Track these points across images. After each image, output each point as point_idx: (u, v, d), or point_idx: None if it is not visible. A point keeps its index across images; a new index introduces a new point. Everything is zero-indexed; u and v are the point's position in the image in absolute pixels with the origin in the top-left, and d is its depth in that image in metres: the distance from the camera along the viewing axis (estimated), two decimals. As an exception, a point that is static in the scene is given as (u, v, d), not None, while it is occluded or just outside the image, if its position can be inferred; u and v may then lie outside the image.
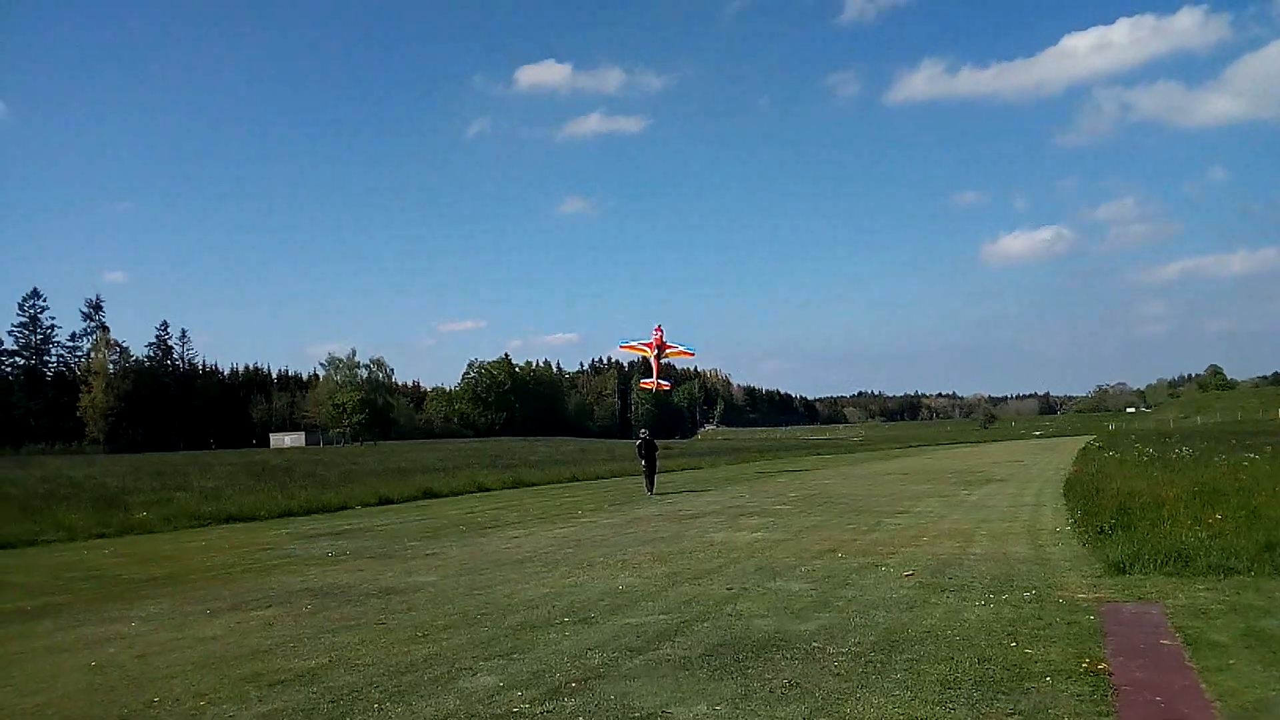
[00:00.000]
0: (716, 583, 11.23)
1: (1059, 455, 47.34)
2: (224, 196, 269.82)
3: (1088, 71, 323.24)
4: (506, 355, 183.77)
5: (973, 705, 5.88)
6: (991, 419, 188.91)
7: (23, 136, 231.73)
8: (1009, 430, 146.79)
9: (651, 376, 37.30)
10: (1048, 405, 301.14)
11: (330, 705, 6.50)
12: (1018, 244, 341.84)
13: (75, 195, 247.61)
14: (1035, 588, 10.18)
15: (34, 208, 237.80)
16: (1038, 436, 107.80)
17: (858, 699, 6.08)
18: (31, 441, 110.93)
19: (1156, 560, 10.96)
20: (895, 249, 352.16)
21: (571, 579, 11.99)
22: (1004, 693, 6.12)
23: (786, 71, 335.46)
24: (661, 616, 9.23)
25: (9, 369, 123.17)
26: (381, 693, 6.77)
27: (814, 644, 7.74)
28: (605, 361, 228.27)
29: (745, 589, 10.71)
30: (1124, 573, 10.81)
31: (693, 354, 40.28)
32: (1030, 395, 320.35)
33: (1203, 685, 6.17)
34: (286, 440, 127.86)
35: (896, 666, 6.89)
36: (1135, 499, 16.40)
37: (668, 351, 37.59)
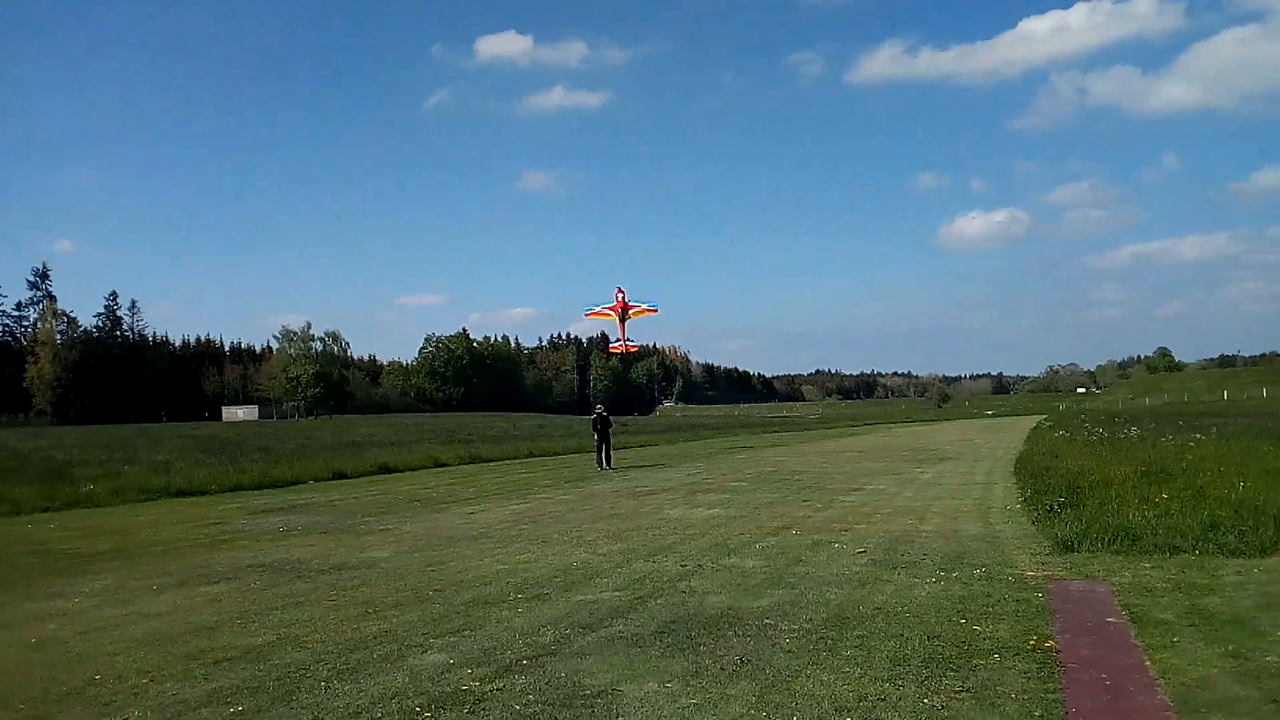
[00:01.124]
0: (671, 560, 11.23)
1: (1010, 434, 48.07)
2: (176, 165, 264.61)
3: (1045, 55, 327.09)
4: (465, 330, 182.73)
5: (922, 682, 5.92)
6: (946, 398, 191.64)
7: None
8: (962, 410, 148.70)
9: (619, 341, 37.35)
10: (1001, 385, 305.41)
11: (276, 683, 6.40)
12: (975, 226, 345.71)
13: (21, 162, 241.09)
14: (985, 565, 10.30)
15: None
16: (990, 416, 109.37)
17: (809, 676, 6.10)
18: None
19: (1104, 539, 11.13)
20: (856, 229, 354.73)
21: (525, 555, 11.94)
22: (953, 669, 6.17)
23: (750, 49, 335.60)
24: (615, 593, 9.21)
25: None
26: (329, 670, 6.68)
27: (766, 621, 7.76)
28: (564, 337, 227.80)
29: (699, 566, 10.72)
30: (1072, 550, 10.97)
31: (656, 310, 40.59)
32: (984, 375, 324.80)
33: (1147, 663, 6.27)
34: (239, 414, 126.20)
35: (847, 643, 6.93)
36: (1084, 478, 16.67)
37: (631, 312, 37.88)
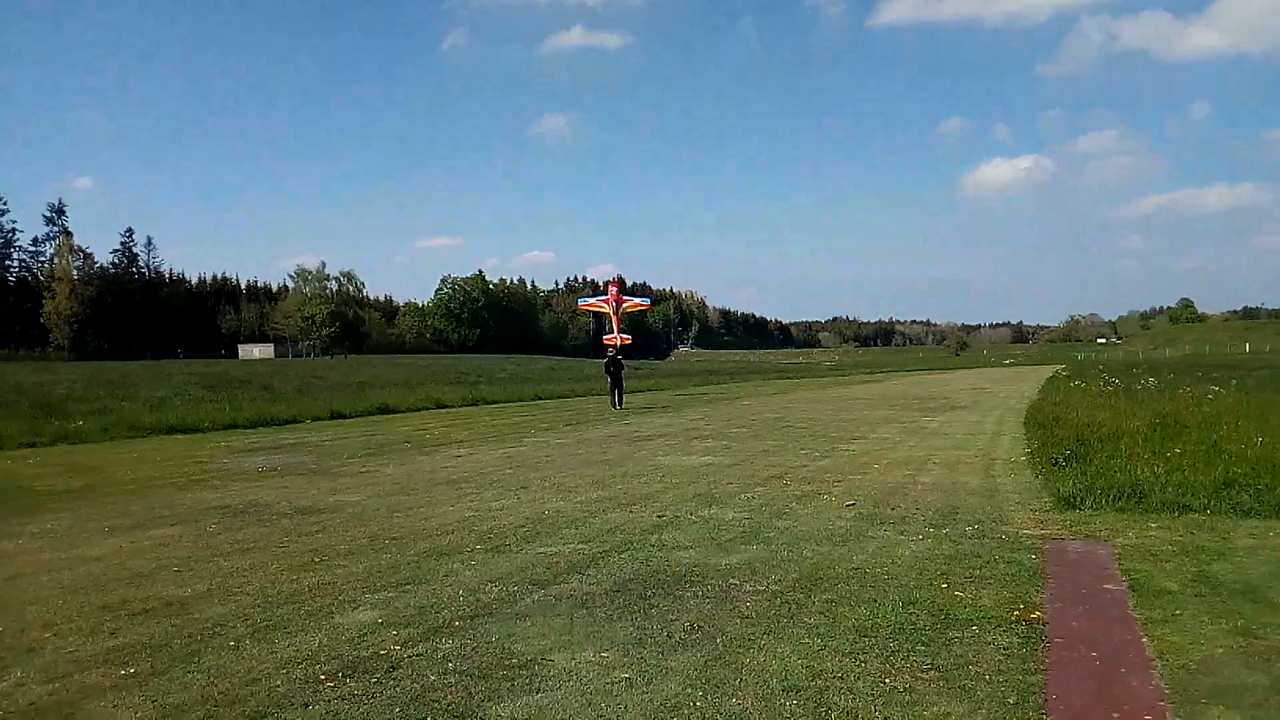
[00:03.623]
0: (649, 509, 10.64)
1: (1025, 383, 47.20)
2: (194, 104, 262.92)
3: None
4: (480, 272, 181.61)
5: (887, 658, 5.29)
6: (964, 346, 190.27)
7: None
8: (980, 358, 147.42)
9: (614, 333, 37.56)
10: (1020, 334, 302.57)
11: (186, 641, 5.85)
12: (998, 173, 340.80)
13: (41, 99, 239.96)
14: (979, 521, 9.65)
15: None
16: (1008, 364, 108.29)
17: (761, 647, 5.47)
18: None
19: (1109, 495, 10.44)
20: (876, 176, 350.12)
21: (500, 502, 11.38)
22: (924, 644, 5.53)
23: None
24: (580, 546, 8.63)
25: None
26: (247, 627, 6.13)
27: (731, 580, 7.14)
28: (580, 280, 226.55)
29: (677, 517, 10.12)
30: (1074, 507, 10.30)
31: (649, 305, 42.55)
32: (1003, 324, 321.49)
33: (1144, 639, 5.61)
34: (255, 352, 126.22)
35: (813, 609, 6.30)
36: (1094, 430, 15.93)
37: (624, 306, 38.40)
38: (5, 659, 5.58)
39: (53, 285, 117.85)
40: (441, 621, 6.17)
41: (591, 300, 41.35)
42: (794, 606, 6.36)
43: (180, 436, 22.12)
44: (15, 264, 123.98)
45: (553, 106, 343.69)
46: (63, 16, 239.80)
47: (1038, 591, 6.78)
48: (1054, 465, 13.11)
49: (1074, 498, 10.58)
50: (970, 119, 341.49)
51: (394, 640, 5.77)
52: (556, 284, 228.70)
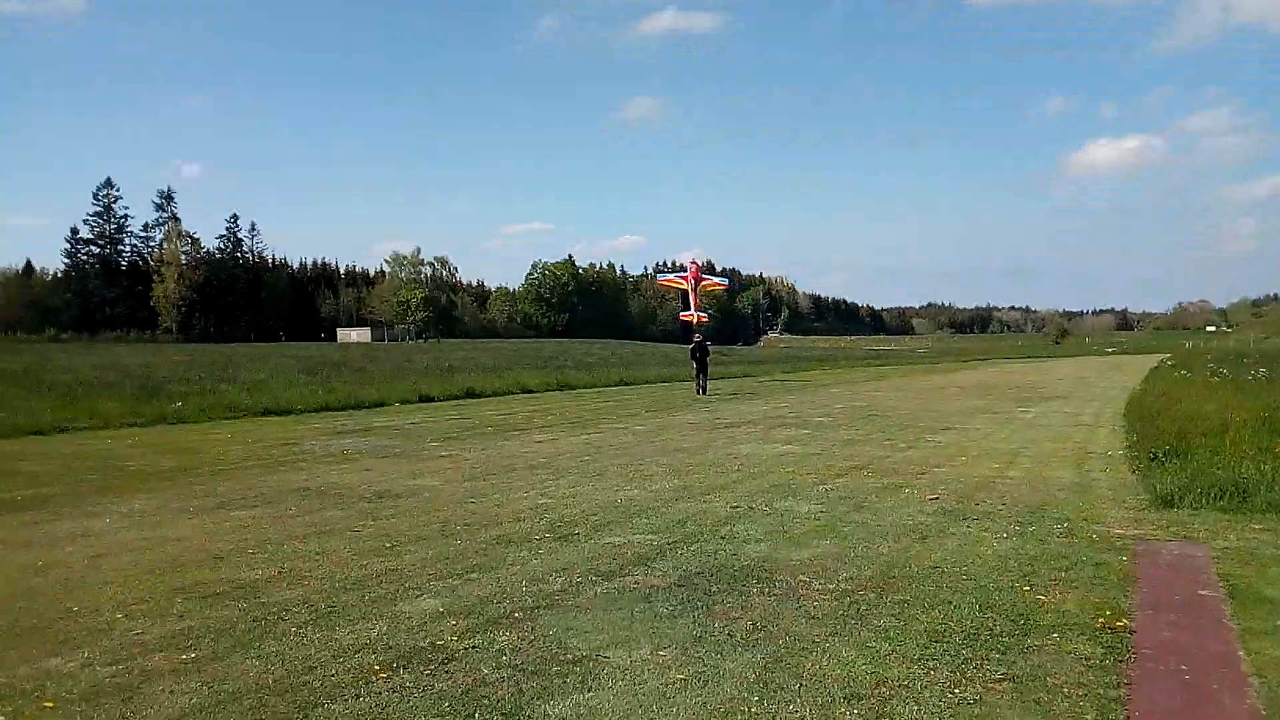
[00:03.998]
0: (723, 500, 10.46)
1: (1128, 374, 45.43)
2: (294, 92, 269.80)
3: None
4: (570, 257, 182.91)
5: (958, 665, 5.02)
6: (1064, 334, 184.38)
7: (103, 32, 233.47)
8: (1082, 346, 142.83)
9: (690, 310, 37.67)
10: (1124, 322, 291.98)
11: (249, 625, 5.90)
12: (1104, 154, 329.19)
13: (151, 88, 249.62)
14: (1068, 519, 9.22)
15: (113, 102, 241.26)
16: (1110, 353, 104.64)
17: (824, 651, 5.26)
18: (108, 329, 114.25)
19: (1210, 494, 9.87)
20: (975, 157, 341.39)
21: (575, 489, 11.33)
22: (999, 651, 5.24)
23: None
24: (649, 536, 8.50)
25: (85, 257, 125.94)
26: (311, 613, 6.16)
27: (800, 577, 6.92)
28: (670, 265, 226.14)
29: (751, 508, 9.92)
30: (1172, 506, 9.77)
31: (726, 285, 43.24)
32: (1107, 311, 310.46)
33: (1241, 653, 5.23)
34: (353, 335, 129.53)
35: (884, 610, 6.05)
36: (1198, 423, 15.13)
37: (703, 284, 38.45)
38: (77, 639, 5.70)
39: (162, 270, 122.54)
40: (502, 612, 6.10)
41: (670, 276, 41.49)
42: (863, 607, 6.11)
43: (274, 418, 22.67)
44: (127, 249, 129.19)
45: (643, 89, 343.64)
46: (171, 7, 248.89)
47: (1126, 597, 6.41)
48: (1152, 460, 12.51)
49: (1172, 496, 10.05)
50: (1074, 97, 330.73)
51: (452, 631, 5.72)
52: (646, 269, 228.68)
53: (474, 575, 7.13)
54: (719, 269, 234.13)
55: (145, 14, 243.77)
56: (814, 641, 5.42)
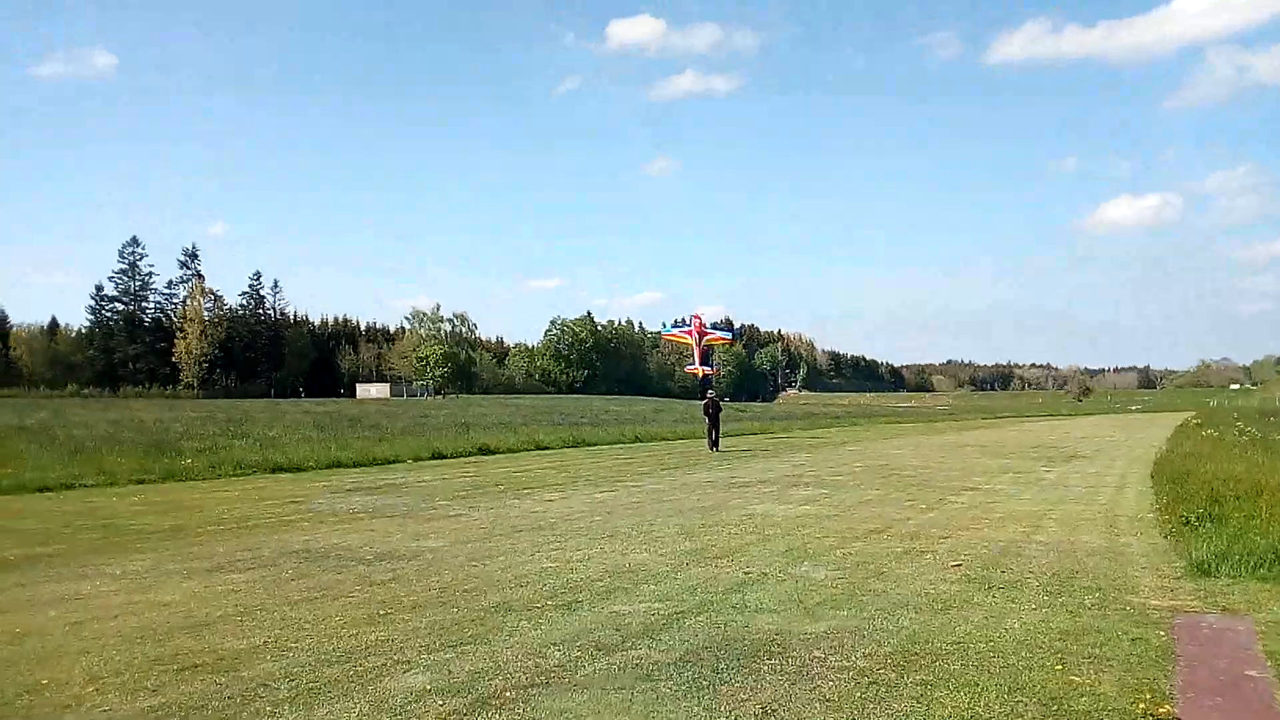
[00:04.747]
0: (736, 565, 10.02)
1: (1153, 432, 44.63)
2: (317, 152, 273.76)
3: (1203, 30, 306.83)
4: (589, 313, 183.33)
5: (986, 759, 4.58)
6: (1087, 391, 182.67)
7: (132, 90, 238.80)
8: (1104, 404, 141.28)
9: (695, 364, 38.76)
10: (1147, 379, 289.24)
11: (223, 703, 5.52)
12: (1122, 211, 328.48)
13: (180, 148, 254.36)
14: (1100, 589, 8.73)
15: (141, 161, 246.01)
16: (1134, 411, 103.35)
17: (840, 740, 4.83)
18: (130, 385, 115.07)
19: (1249, 562, 9.37)
20: (994, 214, 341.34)
21: (582, 552, 10.92)
22: (1030, 741, 4.80)
23: (883, 31, 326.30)
24: (656, 605, 8.08)
25: (109, 314, 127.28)
26: (291, 689, 5.77)
27: (815, 652, 6.48)
28: (688, 321, 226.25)
29: (765, 574, 9.48)
30: (1209, 575, 9.27)
31: (730, 340, 44.28)
32: (1129, 368, 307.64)
33: (1297, 745, 4.76)
34: (372, 391, 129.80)
35: (905, 692, 5.61)
36: (1230, 485, 14.59)
37: (707, 339, 39.41)
38: (38, 715, 5.34)
39: (185, 326, 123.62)
40: (493, 690, 5.70)
41: (674, 331, 42.28)
42: (883, 689, 5.67)
43: (284, 475, 22.37)
44: (151, 306, 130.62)
45: (663, 149, 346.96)
46: (198, 65, 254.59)
47: (1167, 678, 5.93)
48: (1185, 525, 11.99)
49: (1208, 563, 9.55)
50: (1090, 156, 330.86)
51: (437, 713, 5.31)
52: (664, 325, 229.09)
53: (468, 647, 6.73)
54: (736, 325, 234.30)
55: (173, 70, 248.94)
56: (828, 729, 4.98)
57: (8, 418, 37.89)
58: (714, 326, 42.67)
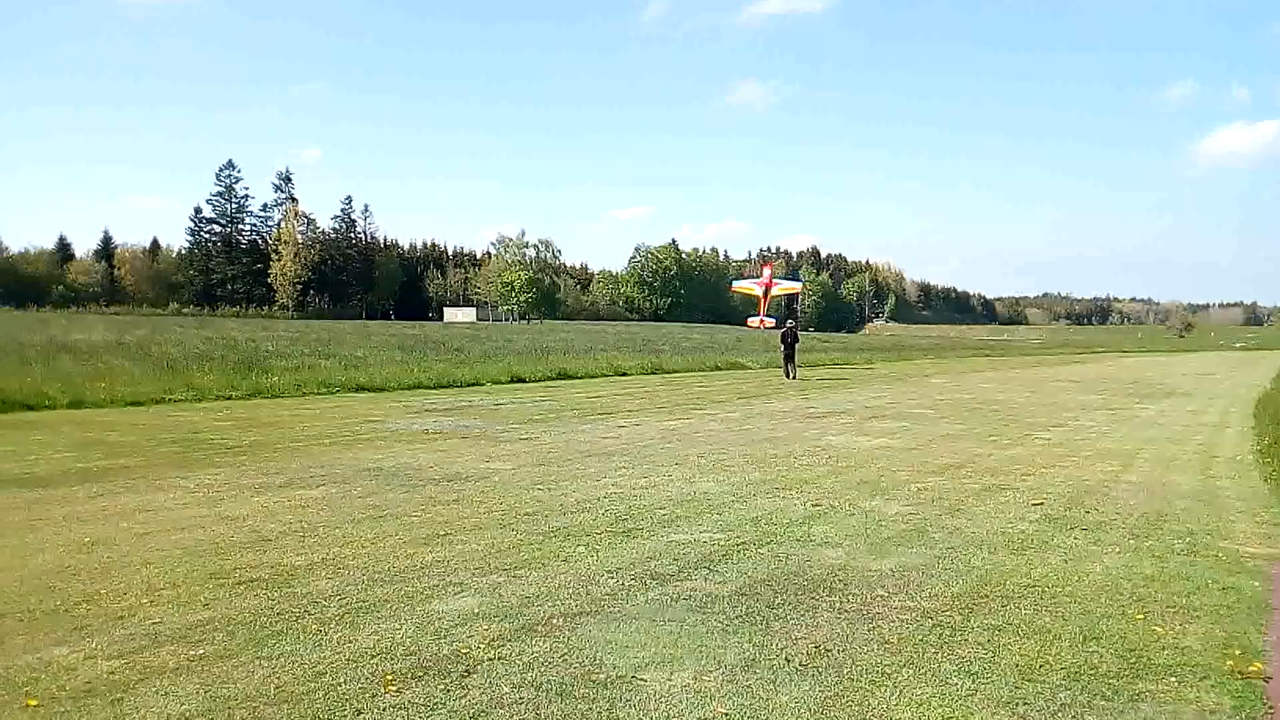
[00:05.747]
0: (804, 496, 9.74)
1: (1258, 370, 42.63)
2: (407, 79, 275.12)
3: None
4: (674, 241, 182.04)
5: (1052, 714, 4.25)
6: (1189, 327, 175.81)
7: (227, 24, 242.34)
8: (1207, 340, 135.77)
9: (759, 316, 39.57)
10: (1254, 316, 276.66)
11: (272, 619, 5.50)
12: (1237, 139, 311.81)
13: (273, 78, 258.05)
14: (1191, 534, 8.24)
15: (236, 90, 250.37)
16: (1238, 348, 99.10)
17: (895, 685, 4.55)
18: (228, 305, 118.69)
19: (1359, 509, 8.75)
20: (1098, 143, 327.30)
21: (647, 479, 10.76)
22: (1103, 698, 4.45)
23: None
24: (717, 535, 7.87)
25: (207, 236, 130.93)
26: (341, 607, 5.74)
27: (879, 591, 6.20)
28: (774, 250, 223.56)
29: (833, 507, 9.19)
30: (1313, 522, 8.68)
31: (799, 288, 47.69)
32: (1235, 304, 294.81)
33: (1405, 712, 4.34)
34: (459, 315, 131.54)
35: (971, 637, 5.30)
36: (1342, 429, 13.74)
37: (775, 290, 40.80)
38: (92, 625, 5.38)
39: (279, 248, 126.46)
40: (541, 617, 5.57)
41: (745, 284, 44.21)
42: (947, 632, 5.37)
43: (366, 395, 22.69)
44: (247, 229, 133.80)
45: (751, 74, 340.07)
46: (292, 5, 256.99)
47: (1261, 633, 5.51)
48: (1289, 468, 11.30)
49: (1313, 510, 8.94)
50: (1204, 81, 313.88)
51: (483, 636, 5.20)
52: (749, 254, 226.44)
53: (522, 571, 6.62)
54: (823, 255, 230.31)
55: (264, 9, 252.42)
56: (884, 673, 4.71)
57: (108, 334, 39.25)
58: (786, 276, 44.53)
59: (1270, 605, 6.09)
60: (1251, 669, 4.86)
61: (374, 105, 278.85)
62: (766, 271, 41.76)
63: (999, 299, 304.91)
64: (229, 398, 20.59)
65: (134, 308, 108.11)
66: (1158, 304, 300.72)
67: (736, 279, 44.32)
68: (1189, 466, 12.59)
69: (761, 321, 37.53)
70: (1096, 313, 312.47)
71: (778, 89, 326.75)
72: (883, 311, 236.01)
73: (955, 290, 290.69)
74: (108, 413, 17.20)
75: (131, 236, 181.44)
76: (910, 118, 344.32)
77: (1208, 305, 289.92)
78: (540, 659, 4.87)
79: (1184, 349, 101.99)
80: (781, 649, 5.05)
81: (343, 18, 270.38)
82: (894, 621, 5.56)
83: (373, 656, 4.90)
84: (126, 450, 12.52)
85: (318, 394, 22.26)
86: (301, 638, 5.20)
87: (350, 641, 5.14)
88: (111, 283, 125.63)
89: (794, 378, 31.00)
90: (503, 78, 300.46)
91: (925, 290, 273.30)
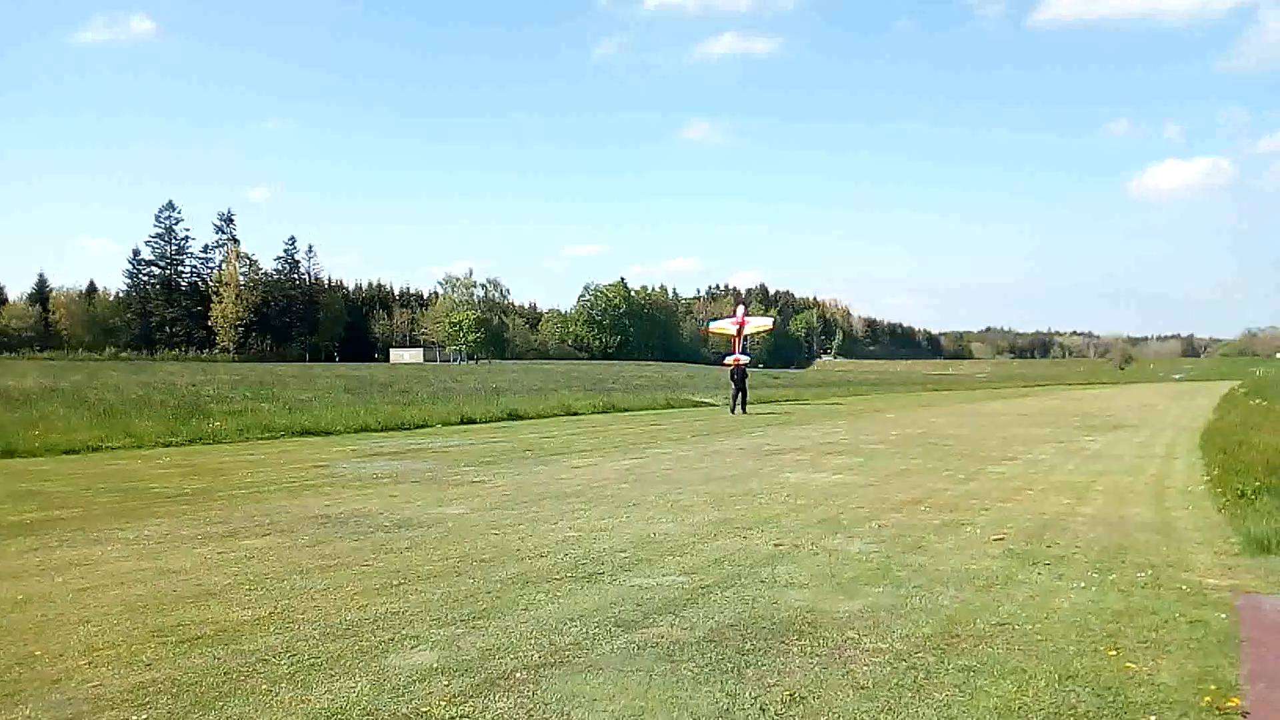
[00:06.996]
0: (766, 536, 9.61)
1: (1199, 401, 43.59)
2: (355, 117, 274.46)
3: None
4: (623, 279, 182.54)
5: (1037, 758, 4.15)
6: (1128, 360, 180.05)
7: (172, 57, 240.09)
8: (1147, 372, 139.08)
9: (735, 354, 41.11)
10: (1191, 348, 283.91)
11: (218, 679, 5.21)
12: (1170, 176, 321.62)
13: (219, 114, 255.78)
14: (1153, 566, 8.23)
15: (181, 125, 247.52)
16: (1177, 380, 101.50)
17: (874, 733, 4.41)
18: (167, 348, 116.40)
19: (1313, 538, 8.81)
20: (1037, 179, 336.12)
21: (605, 521, 10.55)
22: (1086, 739, 4.36)
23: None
24: (680, 578, 7.69)
25: (146, 278, 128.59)
26: (291, 664, 5.46)
27: (849, 633, 6.06)
28: (723, 288, 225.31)
29: (796, 546, 9.06)
30: (1269, 551, 8.72)
31: (772, 326, 51.36)
32: (1172, 336, 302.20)
33: (1386, 746, 4.29)
34: (405, 356, 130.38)
35: (945, 679, 5.18)
36: (1287, 457, 13.95)
37: (747, 329, 43.02)
38: (26, 690, 5.05)
39: (220, 290, 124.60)
40: (503, 670, 5.34)
41: (721, 324, 46.69)
42: (921, 675, 5.24)
43: (311, 439, 22.20)
44: (187, 270, 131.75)
45: (700, 113, 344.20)
46: (234, 32, 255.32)
47: (1233, 666, 5.46)
48: (1241, 497, 11.40)
49: (1268, 539, 8.99)
50: (1139, 119, 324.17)
51: (443, 693, 4.96)
52: (698, 291, 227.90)
53: (480, 622, 6.38)
54: (771, 292, 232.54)
55: (211, 38, 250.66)
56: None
57: (42, 380, 38.13)
58: (751, 309, 46.72)
59: (1238, 637, 6.05)
60: (1229, 704, 4.79)
61: (322, 143, 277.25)
62: (740, 310, 43.34)
63: (944, 333, 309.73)
64: (169, 444, 20.01)
65: (70, 352, 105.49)
66: (1098, 337, 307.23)
67: (714, 320, 46.85)
68: (1143, 498, 12.69)
69: (736, 360, 38.04)
70: (1039, 346, 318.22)
71: (728, 128, 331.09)
72: (831, 347, 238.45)
73: (901, 326, 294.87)
74: (42, 462, 16.60)
75: (72, 279, 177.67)
76: (856, 155, 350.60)
77: (1146, 338, 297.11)
78: (504, 716, 4.65)
79: (1126, 381, 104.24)
80: (755, 697, 4.88)
81: (293, 55, 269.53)
82: (867, 665, 5.42)
83: (327, 717, 4.64)
84: (62, 501, 12.03)
85: (261, 439, 21.73)
86: (250, 699, 4.92)
87: (303, 702, 4.87)
88: (46, 327, 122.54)
89: (746, 411, 31.50)
90: (449, 114, 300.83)
91: (872, 326, 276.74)
